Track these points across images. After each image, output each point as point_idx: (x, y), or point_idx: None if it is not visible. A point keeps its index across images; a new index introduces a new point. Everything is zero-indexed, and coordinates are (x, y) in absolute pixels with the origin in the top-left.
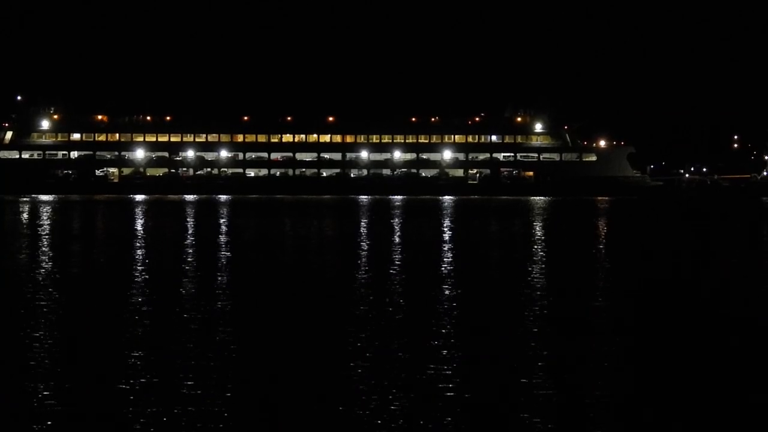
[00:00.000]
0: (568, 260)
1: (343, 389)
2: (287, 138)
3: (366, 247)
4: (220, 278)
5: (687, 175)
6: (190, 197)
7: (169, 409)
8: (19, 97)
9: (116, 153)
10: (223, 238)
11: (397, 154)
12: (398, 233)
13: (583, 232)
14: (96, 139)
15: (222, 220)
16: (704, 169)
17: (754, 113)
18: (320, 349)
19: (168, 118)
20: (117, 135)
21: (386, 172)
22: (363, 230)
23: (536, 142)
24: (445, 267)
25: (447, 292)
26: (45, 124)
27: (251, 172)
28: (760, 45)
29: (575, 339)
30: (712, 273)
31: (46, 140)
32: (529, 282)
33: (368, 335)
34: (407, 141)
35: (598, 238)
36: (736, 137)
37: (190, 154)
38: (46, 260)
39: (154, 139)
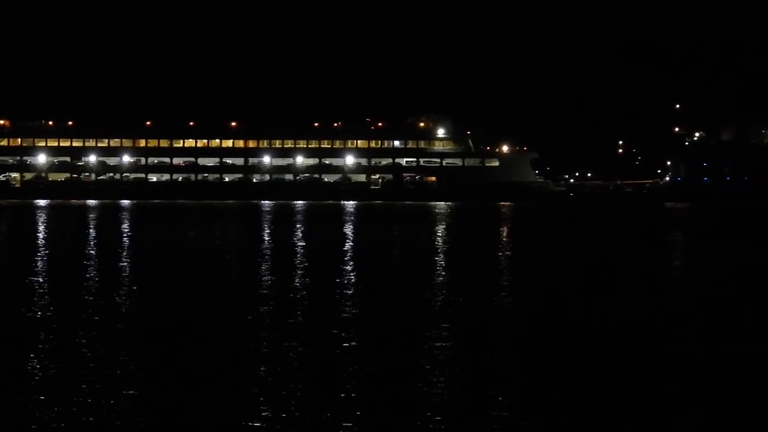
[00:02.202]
0: (468, 265)
1: (246, 395)
2: (190, 143)
3: (264, 252)
4: (119, 281)
5: (571, 180)
6: (92, 202)
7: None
8: None
9: (18, 158)
10: (123, 242)
11: (300, 159)
12: (298, 238)
13: (484, 237)
14: None
15: (123, 225)
16: (589, 174)
17: (639, 118)
18: (216, 354)
19: (70, 123)
20: (19, 140)
21: (289, 177)
22: (263, 235)
23: (439, 147)
24: (343, 271)
25: (346, 295)
26: None
27: (153, 177)
28: (642, 50)
29: (476, 345)
30: (616, 278)
31: None
32: (428, 287)
33: (268, 339)
34: (310, 146)
35: (501, 243)
36: (621, 142)
37: (93, 158)
38: None
39: (56, 144)
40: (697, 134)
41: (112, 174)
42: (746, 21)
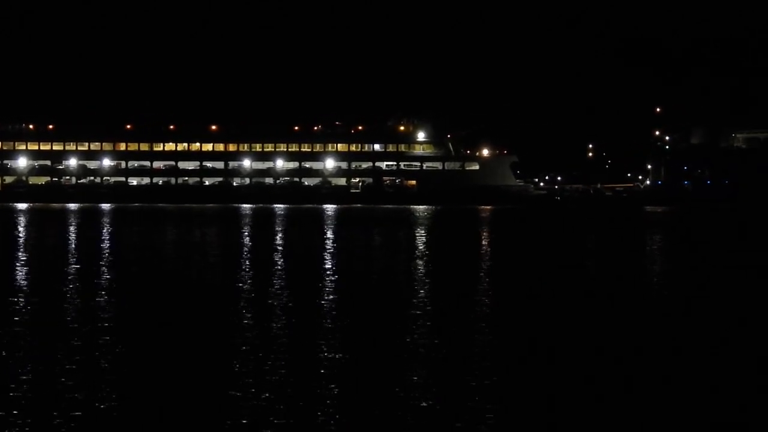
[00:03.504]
0: (448, 270)
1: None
2: (170, 146)
3: (245, 257)
4: (98, 285)
5: (541, 184)
6: (72, 206)
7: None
8: None
9: None
10: (102, 246)
11: (280, 163)
12: (278, 242)
13: (465, 241)
14: None
15: (103, 229)
16: (558, 178)
17: (609, 120)
18: (199, 359)
19: (50, 126)
20: None
21: (269, 180)
22: (244, 239)
23: (419, 150)
24: (324, 276)
25: (327, 300)
26: None
27: (134, 181)
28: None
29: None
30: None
31: None
32: (408, 291)
33: (247, 346)
34: (290, 149)
35: (481, 247)
36: (591, 146)
37: (73, 162)
38: None
39: (36, 147)
40: (668, 137)
41: (92, 177)
42: (746, 21)
